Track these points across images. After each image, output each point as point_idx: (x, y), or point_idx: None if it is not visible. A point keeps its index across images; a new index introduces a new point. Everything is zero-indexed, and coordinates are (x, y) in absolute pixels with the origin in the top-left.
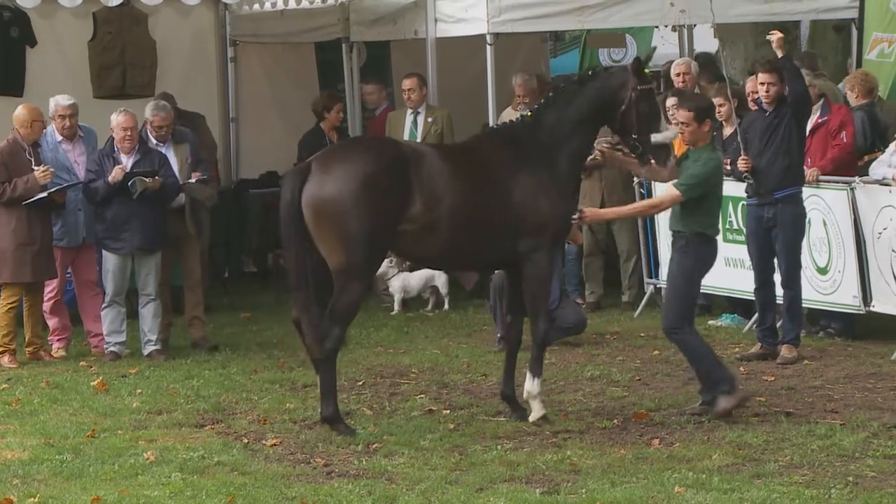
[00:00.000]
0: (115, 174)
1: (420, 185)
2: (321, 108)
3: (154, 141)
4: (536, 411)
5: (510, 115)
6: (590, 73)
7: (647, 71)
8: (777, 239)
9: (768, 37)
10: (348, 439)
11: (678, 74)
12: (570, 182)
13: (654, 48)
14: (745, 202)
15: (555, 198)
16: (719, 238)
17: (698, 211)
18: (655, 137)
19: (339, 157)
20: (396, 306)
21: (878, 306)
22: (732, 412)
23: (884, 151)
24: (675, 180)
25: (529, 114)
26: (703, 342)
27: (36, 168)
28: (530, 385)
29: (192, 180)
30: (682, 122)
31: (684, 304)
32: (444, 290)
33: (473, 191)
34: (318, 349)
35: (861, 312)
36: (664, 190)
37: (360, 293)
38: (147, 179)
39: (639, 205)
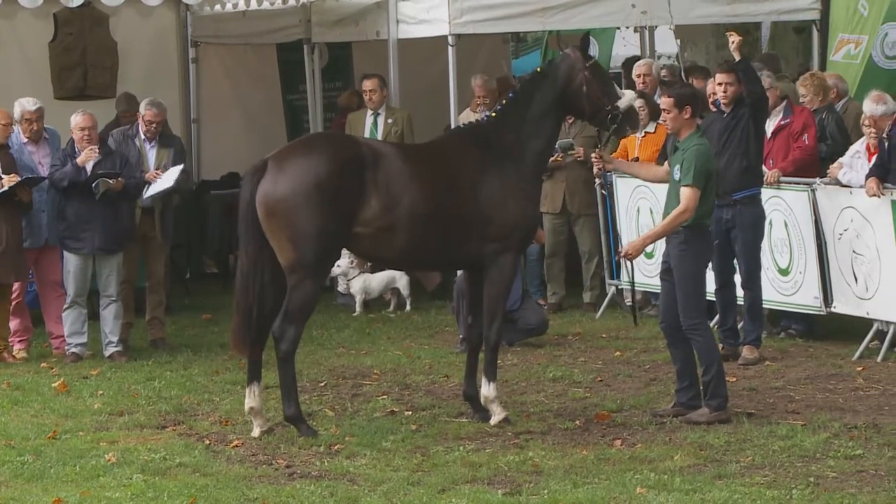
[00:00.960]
0: (86, 156)
1: (377, 186)
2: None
3: (143, 136)
4: (497, 414)
5: (469, 116)
6: (538, 69)
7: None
8: (736, 240)
9: (729, 40)
10: (310, 440)
11: (639, 76)
12: (538, 183)
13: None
14: None
15: (523, 199)
16: None
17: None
18: (624, 102)
19: (294, 155)
20: (358, 307)
21: (838, 307)
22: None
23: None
24: (682, 181)
25: (493, 114)
26: (717, 349)
27: (4, 176)
28: (487, 389)
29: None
30: (664, 109)
31: (697, 301)
32: (405, 291)
33: (435, 192)
34: (238, 346)
35: (822, 313)
36: (682, 196)
37: (312, 291)
38: (110, 180)
39: (668, 220)
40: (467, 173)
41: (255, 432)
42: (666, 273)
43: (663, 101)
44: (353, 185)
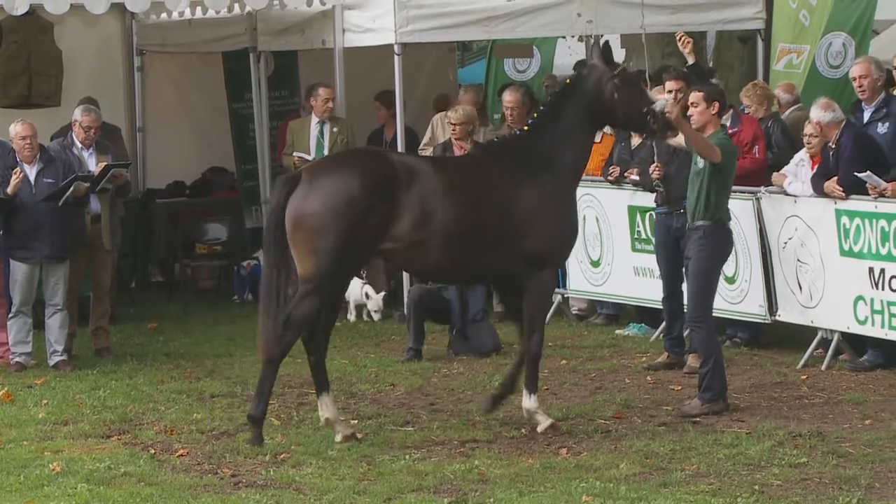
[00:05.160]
0: (14, 186)
1: (410, 204)
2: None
3: (79, 145)
4: (543, 423)
5: (438, 121)
6: (567, 81)
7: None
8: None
9: (681, 42)
10: (256, 449)
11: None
12: (573, 195)
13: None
14: (652, 212)
15: (558, 213)
16: (628, 247)
17: (717, 193)
18: (660, 104)
19: (327, 171)
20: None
21: (783, 315)
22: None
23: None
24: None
25: (525, 127)
26: (719, 344)
27: None
28: (528, 402)
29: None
30: (692, 104)
31: (706, 296)
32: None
33: (469, 209)
34: (268, 350)
35: (767, 322)
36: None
37: (318, 305)
38: (84, 184)
39: (702, 136)
40: (502, 188)
41: (338, 437)
42: (688, 268)
43: (693, 96)
44: (384, 206)
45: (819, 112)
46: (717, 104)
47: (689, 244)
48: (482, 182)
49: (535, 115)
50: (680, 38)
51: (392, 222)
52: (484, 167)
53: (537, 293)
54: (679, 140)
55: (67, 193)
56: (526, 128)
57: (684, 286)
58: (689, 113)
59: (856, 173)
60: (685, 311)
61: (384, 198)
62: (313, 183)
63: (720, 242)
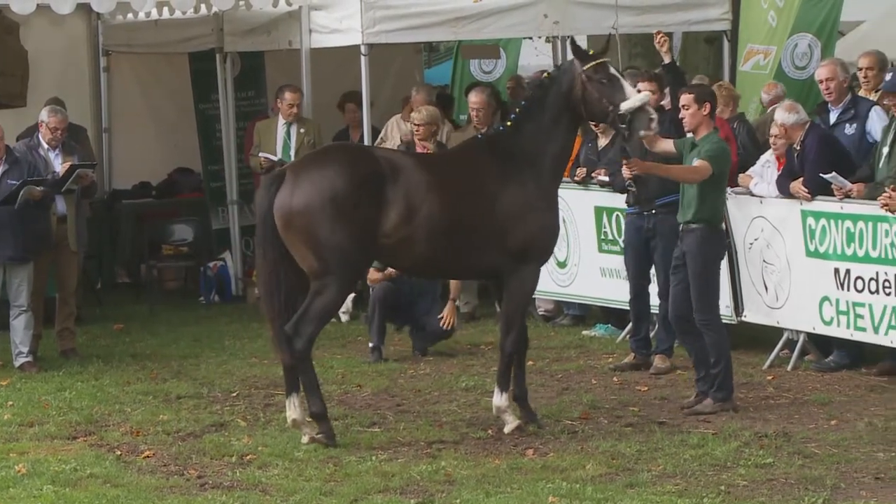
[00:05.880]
0: None
1: (395, 200)
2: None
3: (46, 146)
4: (510, 423)
5: (394, 123)
6: (546, 74)
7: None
8: (656, 249)
9: (656, 41)
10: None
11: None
12: (555, 191)
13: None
14: (619, 213)
15: (541, 210)
16: (594, 248)
17: (713, 196)
18: (627, 104)
19: (311, 167)
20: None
21: (749, 316)
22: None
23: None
24: (700, 156)
25: (509, 123)
26: (728, 344)
27: None
28: (499, 399)
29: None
30: (683, 106)
31: (710, 297)
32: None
33: (453, 204)
34: (284, 356)
35: (733, 322)
36: (695, 163)
37: (337, 298)
38: (38, 188)
39: (683, 168)
40: (485, 184)
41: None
42: (676, 268)
43: (683, 98)
44: (371, 200)
45: (783, 114)
46: (708, 105)
47: (686, 245)
48: (465, 178)
49: (518, 109)
50: (657, 37)
51: (380, 217)
52: (468, 163)
53: (518, 291)
54: (664, 146)
55: (20, 198)
56: (509, 123)
57: (651, 287)
58: (680, 115)
59: (821, 175)
60: (653, 312)
61: (370, 195)
62: (297, 180)
63: (715, 244)
